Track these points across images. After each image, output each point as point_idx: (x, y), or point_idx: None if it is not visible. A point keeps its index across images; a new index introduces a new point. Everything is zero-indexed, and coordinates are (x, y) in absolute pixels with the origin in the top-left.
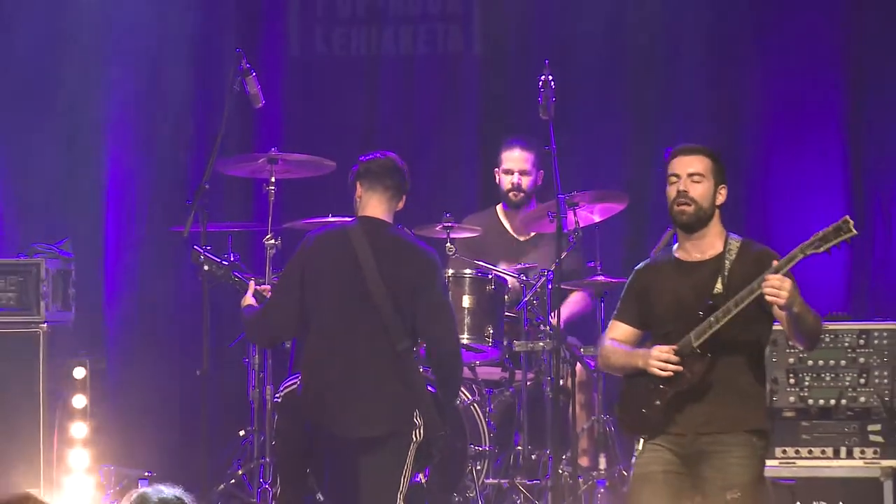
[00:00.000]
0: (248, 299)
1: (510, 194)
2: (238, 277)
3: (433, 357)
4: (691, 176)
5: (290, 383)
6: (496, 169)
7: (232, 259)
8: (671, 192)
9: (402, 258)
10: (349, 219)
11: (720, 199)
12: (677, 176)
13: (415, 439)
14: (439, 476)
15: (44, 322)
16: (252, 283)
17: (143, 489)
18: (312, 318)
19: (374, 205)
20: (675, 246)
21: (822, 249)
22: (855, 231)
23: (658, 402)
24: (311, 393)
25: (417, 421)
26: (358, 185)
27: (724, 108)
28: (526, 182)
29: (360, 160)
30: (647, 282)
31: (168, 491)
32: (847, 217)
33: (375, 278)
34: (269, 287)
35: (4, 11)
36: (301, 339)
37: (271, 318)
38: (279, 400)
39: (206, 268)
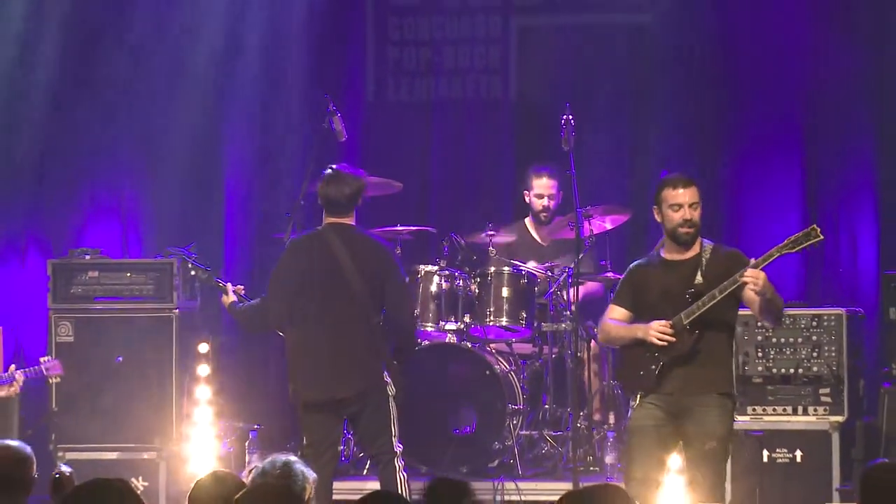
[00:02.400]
0: (231, 297)
1: (541, 214)
2: (219, 281)
3: (393, 328)
4: (691, 205)
5: None
6: (525, 191)
7: None
8: (675, 217)
9: (370, 252)
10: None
11: (700, 211)
12: (680, 205)
13: (390, 393)
14: (484, 428)
15: (175, 308)
16: (229, 284)
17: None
18: (301, 307)
19: (336, 212)
20: (662, 248)
21: (795, 250)
22: (822, 237)
23: (653, 367)
24: (307, 368)
25: (388, 379)
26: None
27: (707, 140)
28: (553, 203)
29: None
30: (640, 276)
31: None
32: (815, 225)
33: (351, 269)
34: (241, 287)
35: (138, 43)
36: (288, 326)
37: (272, 310)
38: None
39: (192, 273)
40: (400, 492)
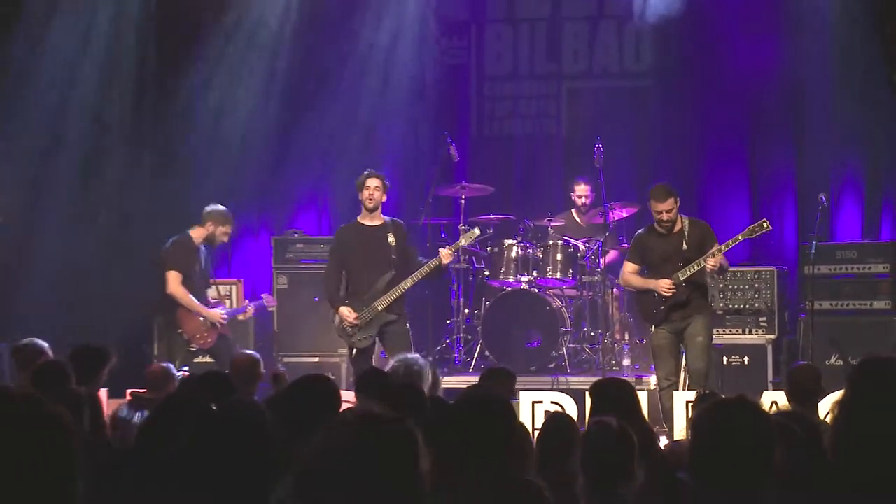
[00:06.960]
0: (451, 258)
1: (581, 207)
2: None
3: None
4: (668, 210)
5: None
6: (570, 192)
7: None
8: (657, 217)
9: None
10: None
11: (678, 208)
12: (658, 211)
13: None
14: (546, 343)
15: None
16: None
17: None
18: None
19: None
20: (657, 226)
21: (752, 237)
22: (770, 227)
23: (662, 308)
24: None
25: None
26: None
27: (686, 155)
28: (587, 200)
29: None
30: (644, 241)
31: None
32: (765, 220)
33: None
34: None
35: (331, 96)
36: None
37: None
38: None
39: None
40: None
